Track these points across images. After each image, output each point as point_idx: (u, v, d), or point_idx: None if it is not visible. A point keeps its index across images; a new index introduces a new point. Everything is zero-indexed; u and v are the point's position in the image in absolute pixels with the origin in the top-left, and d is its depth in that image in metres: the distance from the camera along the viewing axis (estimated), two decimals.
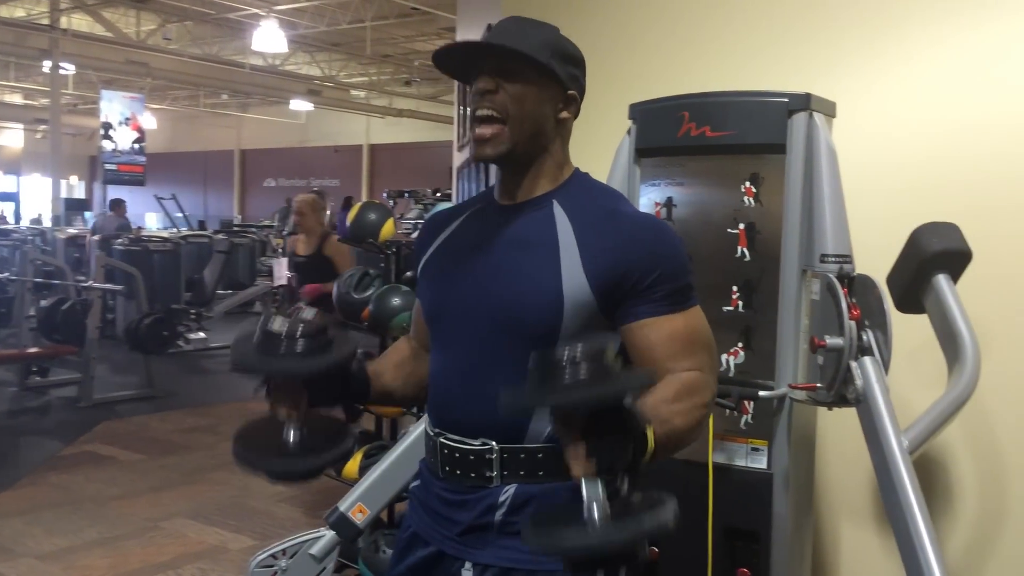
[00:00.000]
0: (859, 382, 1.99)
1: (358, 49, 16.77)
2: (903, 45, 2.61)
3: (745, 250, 2.28)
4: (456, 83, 5.53)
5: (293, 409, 1.38)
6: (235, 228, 14.82)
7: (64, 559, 3.75)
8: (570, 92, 1.44)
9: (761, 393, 2.22)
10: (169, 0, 14.42)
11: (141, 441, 5.79)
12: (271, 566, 2.33)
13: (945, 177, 2.52)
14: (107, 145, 17.17)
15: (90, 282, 7.17)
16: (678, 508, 1.13)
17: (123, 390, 7.19)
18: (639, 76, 2.78)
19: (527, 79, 1.39)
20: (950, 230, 2.21)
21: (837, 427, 2.58)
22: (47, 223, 16.28)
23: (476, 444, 1.39)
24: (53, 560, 3.74)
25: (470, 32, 4.81)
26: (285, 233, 9.19)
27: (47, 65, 15.45)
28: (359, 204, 3.26)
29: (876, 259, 2.24)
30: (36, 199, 23.44)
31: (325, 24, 15.03)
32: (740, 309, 2.28)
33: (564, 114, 1.45)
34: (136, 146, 17.66)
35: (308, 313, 1.39)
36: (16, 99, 23.18)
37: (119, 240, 10.04)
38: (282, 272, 8.81)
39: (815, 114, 2.21)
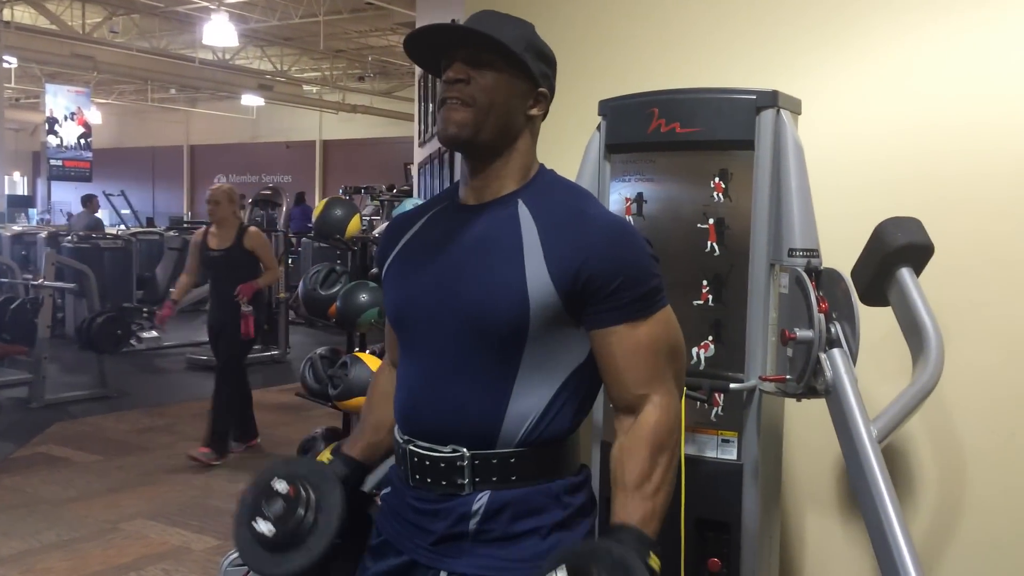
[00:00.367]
0: (828, 373, 2.03)
1: (310, 44, 16.60)
2: (864, 43, 2.67)
3: (715, 245, 2.31)
4: (416, 79, 5.52)
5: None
6: (185, 225, 14.59)
7: (22, 562, 3.68)
8: (541, 89, 1.43)
9: (732, 385, 2.25)
10: None
11: (96, 442, 5.69)
12: (243, 565, 2.31)
13: (907, 172, 2.58)
14: (52, 140, 16.82)
15: (41, 280, 7.02)
16: None
17: (75, 390, 7.05)
18: (607, 72, 2.80)
19: (499, 70, 1.37)
20: (913, 224, 2.26)
21: (801, 419, 2.63)
22: None
23: (446, 451, 1.37)
24: (11, 564, 3.66)
25: (429, 21, 4.80)
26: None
27: None
28: (325, 200, 3.24)
29: (839, 253, 2.28)
30: None
31: (277, 18, 14.86)
32: (710, 303, 2.31)
33: (534, 111, 1.43)
34: (82, 141, 17.33)
35: (280, 486, 1.40)
36: None
37: (68, 237, 9.83)
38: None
39: (782, 111, 2.25)
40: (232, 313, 5.06)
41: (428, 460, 1.38)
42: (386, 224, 4.01)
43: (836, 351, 2.06)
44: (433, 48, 1.42)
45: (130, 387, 7.34)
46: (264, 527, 1.37)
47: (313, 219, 3.27)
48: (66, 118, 17.09)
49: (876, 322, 2.34)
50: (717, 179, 2.31)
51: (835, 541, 2.76)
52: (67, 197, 20.77)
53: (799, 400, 2.22)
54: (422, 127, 5.15)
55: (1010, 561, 2.52)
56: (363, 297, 3.05)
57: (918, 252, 2.25)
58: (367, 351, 3.39)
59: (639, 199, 2.40)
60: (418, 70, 5.61)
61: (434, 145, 4.37)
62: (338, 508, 1.41)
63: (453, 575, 1.37)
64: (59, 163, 16.94)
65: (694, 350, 2.32)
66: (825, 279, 2.16)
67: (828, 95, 2.64)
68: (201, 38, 13.88)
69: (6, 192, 17.99)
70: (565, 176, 1.53)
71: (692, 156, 2.34)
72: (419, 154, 5.31)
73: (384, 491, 1.52)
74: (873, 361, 2.48)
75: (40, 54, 15.94)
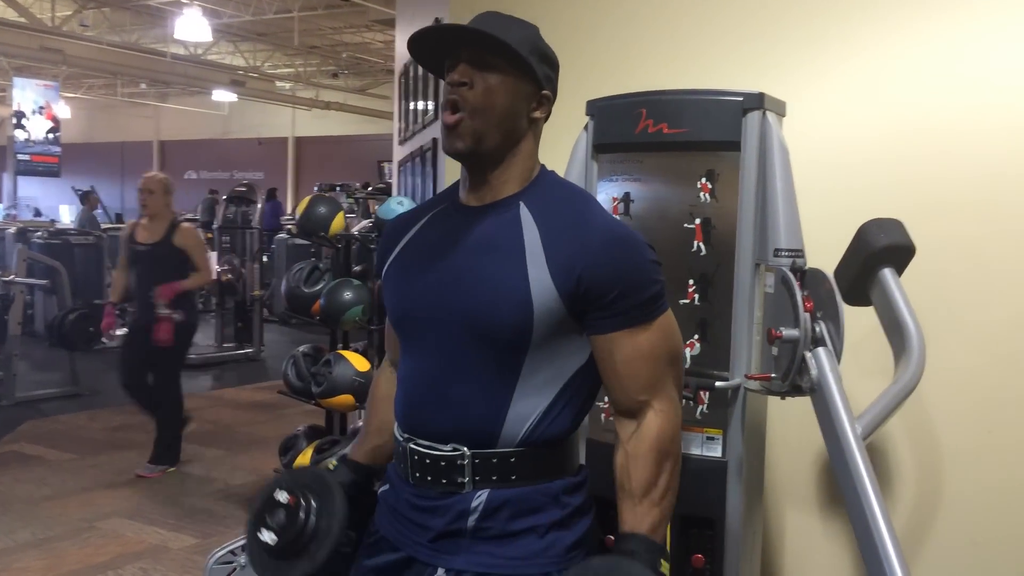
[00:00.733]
0: (814, 372, 2.06)
1: (284, 40, 16.49)
2: (848, 47, 2.71)
3: (701, 244, 2.34)
4: (396, 77, 5.51)
5: None
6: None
7: None
8: (544, 92, 1.44)
9: (717, 384, 2.28)
10: None
11: (69, 440, 5.63)
12: (230, 562, 2.31)
13: (889, 174, 2.63)
14: (19, 135, 16.58)
15: (12, 276, 6.92)
16: None
17: (47, 388, 6.97)
18: (594, 72, 2.82)
19: (504, 72, 1.37)
20: (895, 226, 2.30)
21: (782, 417, 2.67)
22: None
23: (447, 450, 1.38)
24: None
25: (412, 27, 4.80)
26: (216, 226, 8.95)
27: None
28: (309, 197, 3.23)
29: (823, 253, 2.32)
30: None
31: (250, 13, 14.74)
32: (696, 302, 2.34)
33: (537, 113, 1.44)
34: (51, 136, 17.10)
35: (281, 496, 1.42)
36: None
37: (38, 233, 9.71)
38: (211, 266, 8.68)
39: (768, 113, 2.28)
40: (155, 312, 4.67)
41: (428, 458, 1.39)
42: (368, 222, 4.01)
43: (821, 350, 2.10)
44: (437, 48, 1.42)
45: (102, 385, 7.26)
46: (268, 536, 1.39)
47: (297, 216, 3.26)
48: (34, 112, 16.85)
49: (856, 321, 2.38)
50: (704, 179, 2.33)
51: (815, 537, 2.80)
52: (34, 192, 20.48)
53: (784, 398, 2.25)
54: (402, 124, 5.13)
55: (986, 556, 2.57)
56: (347, 295, 3.05)
57: (900, 253, 2.29)
58: (351, 348, 3.38)
59: (626, 199, 2.42)
60: (397, 68, 5.59)
61: (415, 143, 4.36)
62: (340, 515, 1.42)
63: (451, 572, 1.37)
64: (27, 158, 16.71)
65: None
66: (810, 279, 2.19)
67: (812, 98, 2.68)
68: (173, 33, 13.73)
69: None
70: None
71: (679, 157, 2.37)
72: (399, 152, 5.29)
73: (382, 488, 1.52)
74: (853, 359, 2.52)
75: (8, 47, 15.69)
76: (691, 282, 2.34)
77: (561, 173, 2.46)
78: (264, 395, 7.00)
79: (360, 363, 3.15)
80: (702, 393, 2.34)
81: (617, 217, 2.38)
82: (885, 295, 2.28)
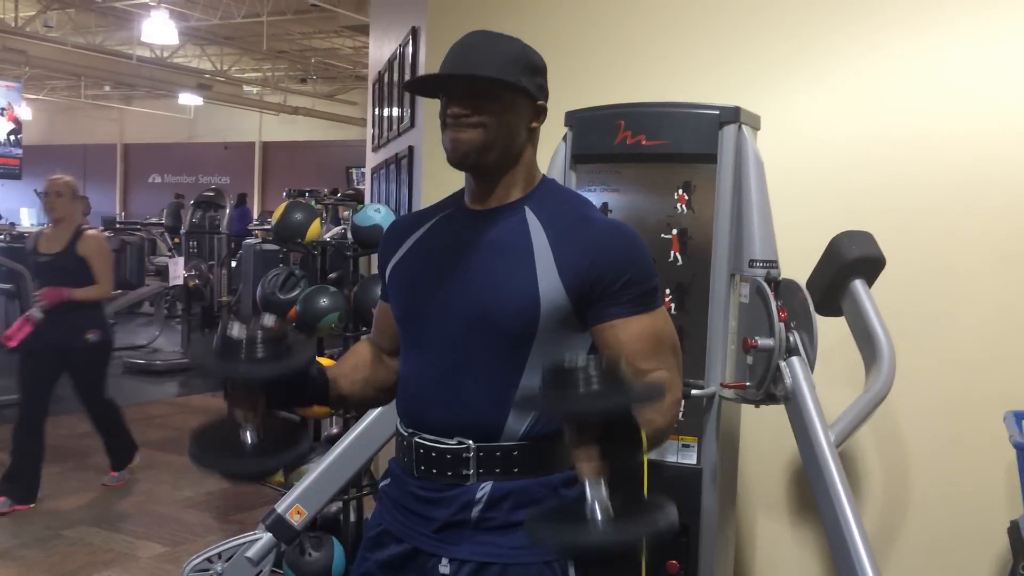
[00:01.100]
0: (788, 380, 2.11)
1: (252, 44, 16.37)
2: (820, 64, 2.77)
3: (678, 255, 2.38)
4: (370, 84, 5.51)
5: (251, 412, 1.39)
6: (119, 226, 14.26)
7: None
8: (540, 103, 1.48)
9: (693, 392, 2.32)
10: None
11: None
12: (206, 570, 2.30)
13: (859, 187, 2.69)
14: None
15: None
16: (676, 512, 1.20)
17: (8, 394, 6.81)
18: (573, 83, 2.85)
19: (501, 100, 1.41)
20: (865, 238, 2.36)
21: (754, 425, 2.71)
22: None
23: (452, 443, 1.42)
24: None
25: (387, 35, 4.80)
26: (184, 231, 8.87)
27: None
28: (285, 204, 3.23)
29: (795, 264, 2.37)
30: None
31: (218, 17, 14.62)
32: (672, 311, 2.38)
33: (534, 124, 1.48)
34: (12, 137, 16.79)
35: (268, 319, 1.41)
36: None
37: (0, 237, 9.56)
38: (178, 271, 8.59)
39: (744, 126, 2.33)
40: (67, 332, 4.32)
41: (434, 451, 1.43)
42: (340, 229, 4.00)
43: (795, 359, 2.15)
44: (431, 82, 1.47)
45: (66, 391, 7.14)
46: (237, 331, 1.35)
47: (273, 222, 3.25)
48: None
49: (828, 331, 2.43)
50: (681, 191, 2.38)
51: (785, 542, 2.85)
52: None
53: (757, 406, 2.29)
54: (376, 131, 5.14)
55: (950, 557, 2.63)
56: (323, 302, 3.05)
57: (871, 264, 2.35)
58: (325, 355, 3.38)
59: (604, 209, 2.46)
60: (371, 75, 5.60)
61: (390, 150, 4.37)
62: (312, 350, 1.45)
63: (454, 561, 1.42)
64: None
65: None
66: (784, 289, 2.24)
67: (786, 112, 2.74)
68: (139, 35, 13.59)
69: None
70: None
71: (657, 168, 2.41)
72: (372, 159, 5.29)
73: (383, 483, 1.56)
74: (824, 368, 2.57)
75: None
76: (668, 292, 2.38)
77: None
78: None
79: None
80: None
81: None
82: (856, 305, 2.33)
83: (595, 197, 2.47)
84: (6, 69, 17.72)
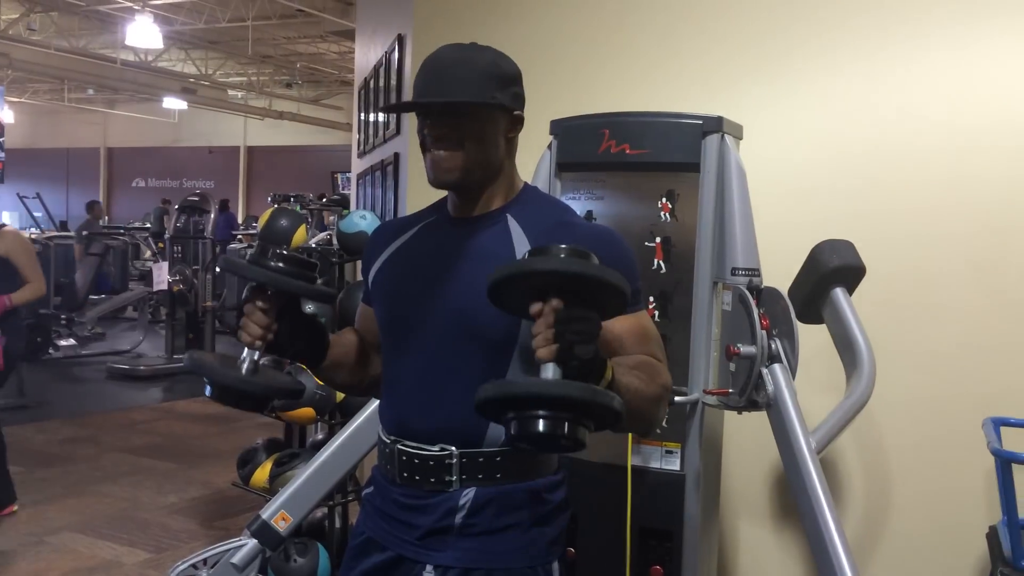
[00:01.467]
0: (770, 387, 2.13)
1: (237, 48, 16.34)
2: (800, 75, 2.81)
3: (661, 263, 2.40)
4: (355, 90, 5.52)
5: (258, 335, 1.41)
6: (103, 230, 14.19)
7: None
8: (516, 113, 1.49)
9: (676, 398, 2.34)
10: None
11: (16, 453, 5.46)
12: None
13: (840, 196, 2.73)
14: None
15: None
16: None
17: None
18: (558, 92, 2.88)
19: (478, 119, 1.43)
20: (846, 247, 2.39)
21: (737, 432, 2.74)
22: None
23: (435, 450, 1.44)
24: None
25: (373, 41, 4.82)
26: (168, 235, 8.84)
27: None
28: (270, 209, 3.23)
29: (777, 272, 2.40)
30: None
31: (203, 21, 14.59)
32: (656, 319, 2.40)
33: (511, 134, 1.50)
34: None
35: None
36: None
37: None
38: (162, 276, 8.55)
39: (726, 136, 2.35)
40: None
41: (417, 458, 1.45)
42: (325, 235, 4.00)
43: (777, 366, 2.17)
44: (405, 104, 1.50)
45: (49, 396, 7.13)
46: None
47: (258, 227, 3.26)
48: None
49: (808, 338, 2.46)
50: (664, 199, 2.40)
51: (767, 547, 2.87)
52: None
53: (740, 413, 2.32)
54: (361, 137, 5.14)
55: (929, 562, 2.67)
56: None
57: (851, 273, 2.38)
58: None
59: (588, 217, 2.48)
60: (356, 81, 5.61)
61: (375, 156, 4.38)
62: (335, 297, 1.53)
63: (438, 568, 1.43)
64: None
65: None
66: (766, 297, 2.26)
67: (769, 122, 2.78)
68: (123, 39, 13.53)
69: None
70: None
71: (640, 176, 2.43)
72: (358, 165, 5.30)
73: (366, 491, 1.57)
74: (805, 375, 2.60)
75: None
76: (651, 299, 2.40)
77: None
78: (216, 407, 6.88)
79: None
80: None
81: None
82: (837, 313, 2.36)
83: (579, 205, 2.49)
84: None
